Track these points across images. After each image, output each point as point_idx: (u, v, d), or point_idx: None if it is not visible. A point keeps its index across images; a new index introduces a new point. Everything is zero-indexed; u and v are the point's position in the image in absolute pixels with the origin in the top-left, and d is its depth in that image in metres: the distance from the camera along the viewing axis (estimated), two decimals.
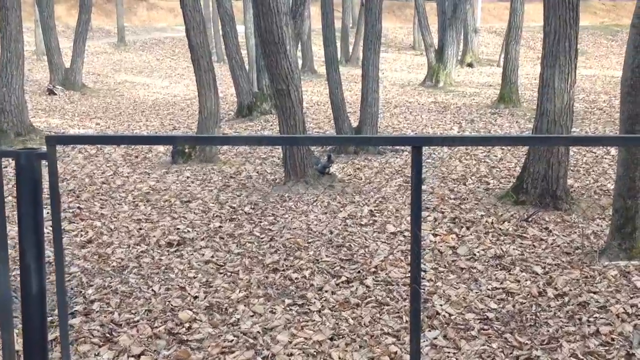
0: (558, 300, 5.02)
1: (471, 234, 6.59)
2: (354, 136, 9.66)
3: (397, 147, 10.59)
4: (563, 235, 6.49)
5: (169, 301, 4.95)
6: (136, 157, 10.30)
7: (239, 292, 5.16)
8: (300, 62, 24.68)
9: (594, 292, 5.19)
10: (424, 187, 8.31)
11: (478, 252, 6.09)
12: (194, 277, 5.45)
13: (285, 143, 2.87)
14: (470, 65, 25.23)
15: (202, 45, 9.54)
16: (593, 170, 9.05)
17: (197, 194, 7.99)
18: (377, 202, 7.72)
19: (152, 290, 5.16)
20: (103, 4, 35.34)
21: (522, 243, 6.36)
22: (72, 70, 19.95)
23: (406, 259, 5.92)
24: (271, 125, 13.48)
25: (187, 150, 9.69)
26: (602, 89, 18.78)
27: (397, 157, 10.12)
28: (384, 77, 23.53)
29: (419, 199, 3.33)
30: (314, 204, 7.60)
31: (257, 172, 9.11)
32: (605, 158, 9.58)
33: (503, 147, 11.22)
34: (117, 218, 7.05)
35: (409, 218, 7.15)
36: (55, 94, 19.07)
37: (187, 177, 8.89)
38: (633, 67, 5.55)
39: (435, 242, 6.37)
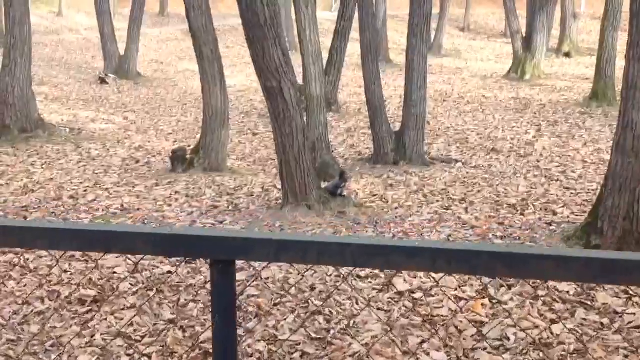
0: None
1: (512, 300, 4.59)
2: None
3: (448, 157, 8.67)
4: None
5: None
6: (137, 162, 8.78)
7: None
8: None
9: None
10: (472, 221, 6.32)
11: (514, 335, 4.11)
12: None
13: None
14: (567, 55, 22.47)
15: (206, 30, 7.84)
16: None
17: (170, 218, 6.32)
18: (395, 238, 5.81)
19: None
20: None
21: (585, 319, 4.32)
22: (125, 58, 18.77)
23: (405, 342, 4.03)
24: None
25: (188, 156, 8.09)
26: None
27: (445, 171, 8.11)
28: (466, 67, 21.21)
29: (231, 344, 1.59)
30: None
31: (262, 188, 7.36)
32: None
33: (586, 160, 8.98)
34: (49, 253, 5.46)
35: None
36: (107, 83, 17.96)
37: (176, 192, 7.24)
38: None
39: (458, 311, 4.43)
